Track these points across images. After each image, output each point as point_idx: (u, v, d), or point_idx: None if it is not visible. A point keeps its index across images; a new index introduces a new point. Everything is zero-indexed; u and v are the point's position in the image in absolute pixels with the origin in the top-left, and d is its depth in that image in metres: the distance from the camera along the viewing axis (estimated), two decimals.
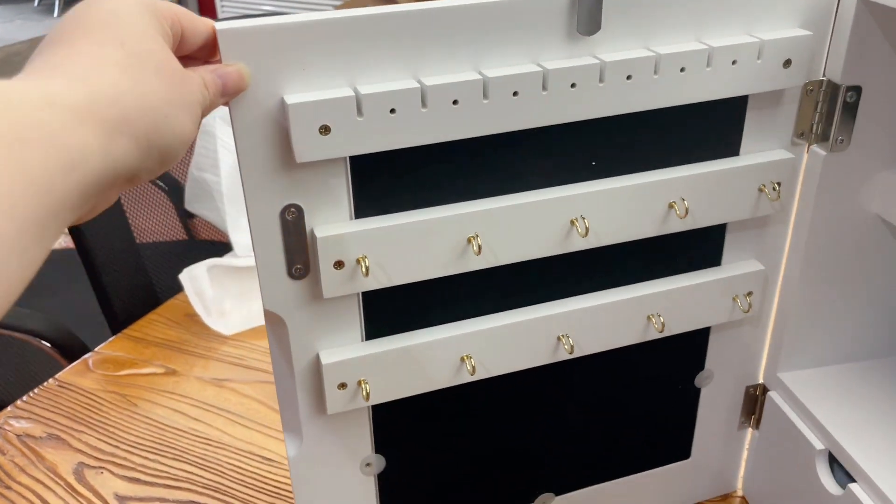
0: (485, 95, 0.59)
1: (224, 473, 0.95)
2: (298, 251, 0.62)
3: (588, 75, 0.61)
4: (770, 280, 0.79)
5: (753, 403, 0.87)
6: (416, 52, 0.57)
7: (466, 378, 0.70)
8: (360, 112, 0.57)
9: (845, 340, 0.83)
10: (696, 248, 0.74)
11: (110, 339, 1.20)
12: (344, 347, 0.67)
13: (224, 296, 1.22)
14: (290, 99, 0.55)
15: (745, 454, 0.91)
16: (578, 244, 0.67)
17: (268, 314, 0.65)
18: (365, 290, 0.64)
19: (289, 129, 0.56)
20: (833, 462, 0.76)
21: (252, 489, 0.93)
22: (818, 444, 0.76)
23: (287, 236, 0.61)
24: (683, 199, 0.68)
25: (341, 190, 0.61)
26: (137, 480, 0.94)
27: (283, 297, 0.63)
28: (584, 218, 0.66)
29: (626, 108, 0.63)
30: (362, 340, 0.68)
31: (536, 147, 0.64)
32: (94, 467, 0.96)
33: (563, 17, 0.59)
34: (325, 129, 0.56)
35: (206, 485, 0.94)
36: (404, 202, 0.63)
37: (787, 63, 0.66)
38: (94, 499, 0.91)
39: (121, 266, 1.38)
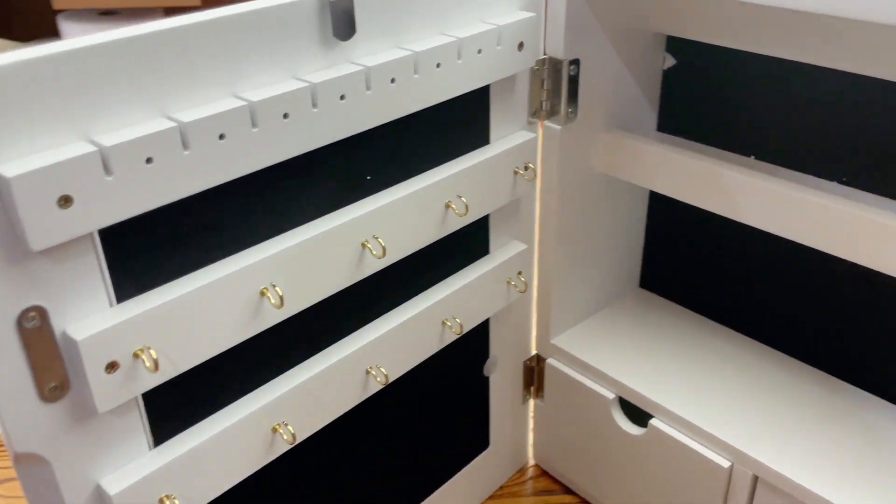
0: (253, 123, 0.50)
1: None
2: (50, 364, 0.47)
3: (355, 84, 0.55)
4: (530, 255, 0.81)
5: (531, 375, 0.90)
6: (161, 82, 0.46)
7: (284, 448, 0.60)
8: (107, 170, 0.44)
9: (596, 292, 0.90)
10: (469, 242, 0.73)
11: None
12: (131, 466, 0.53)
13: None
14: (10, 170, 0.40)
15: (531, 425, 0.95)
16: (375, 265, 0.61)
17: (19, 458, 0.48)
18: (151, 387, 0.51)
19: (15, 211, 0.41)
20: (622, 405, 0.82)
21: None
22: (609, 394, 0.81)
23: (31, 349, 0.45)
24: (460, 196, 0.66)
25: (93, 273, 0.47)
26: None
27: (38, 430, 0.47)
28: (375, 237, 0.60)
29: (395, 112, 0.59)
30: (151, 448, 0.54)
31: (310, 173, 0.57)
32: None
33: (315, 23, 0.53)
34: (65, 201, 0.42)
35: None
36: (177, 268, 0.51)
37: (521, 46, 0.67)
38: None
39: None
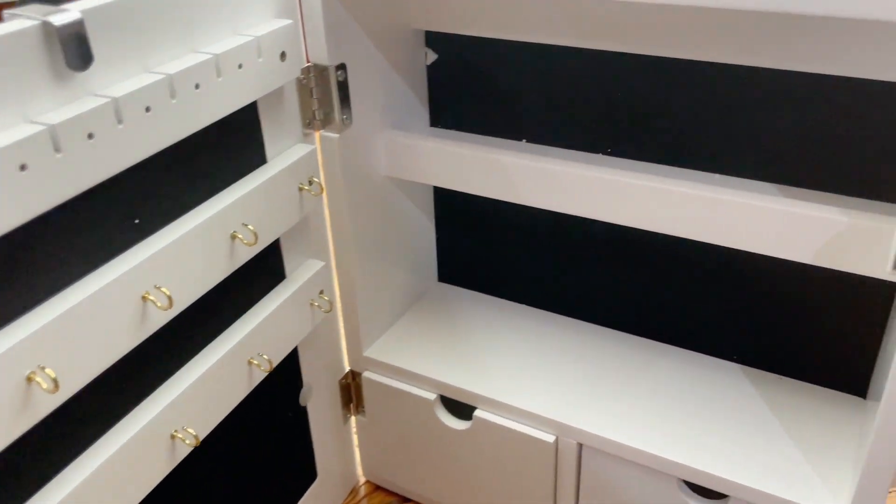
0: None
1: None
2: None
3: (103, 118, 0.47)
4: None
5: (349, 392, 0.87)
6: None
7: None
8: None
9: (399, 295, 0.88)
10: (262, 270, 0.68)
11: None
12: None
13: None
14: None
15: (356, 442, 0.91)
16: (162, 318, 0.54)
17: None
18: None
19: None
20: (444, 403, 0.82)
21: None
22: (430, 395, 0.80)
23: None
24: (245, 225, 0.61)
25: None
26: None
27: None
28: (158, 287, 0.53)
29: (155, 145, 0.52)
30: None
31: (65, 229, 0.48)
32: None
33: (43, 54, 0.45)
34: None
35: None
36: None
37: (283, 56, 0.63)
38: None
39: None
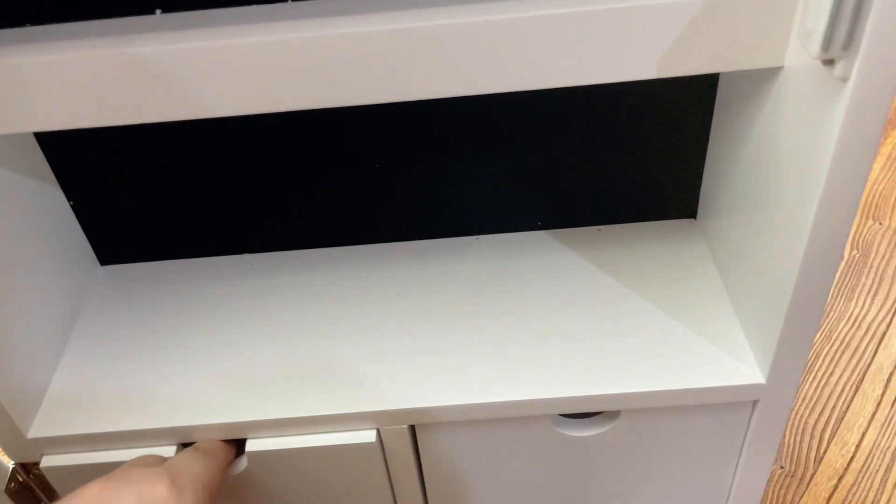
0: None
1: None
2: None
3: None
4: None
5: (30, 492, 0.54)
6: None
7: None
8: None
9: (46, 320, 0.55)
10: None
11: None
12: None
13: None
14: None
15: None
16: None
17: None
18: None
19: None
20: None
21: None
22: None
23: None
24: None
25: None
26: None
27: None
28: None
29: None
30: None
31: None
32: None
33: None
34: None
35: None
36: None
37: None
38: None
39: None
